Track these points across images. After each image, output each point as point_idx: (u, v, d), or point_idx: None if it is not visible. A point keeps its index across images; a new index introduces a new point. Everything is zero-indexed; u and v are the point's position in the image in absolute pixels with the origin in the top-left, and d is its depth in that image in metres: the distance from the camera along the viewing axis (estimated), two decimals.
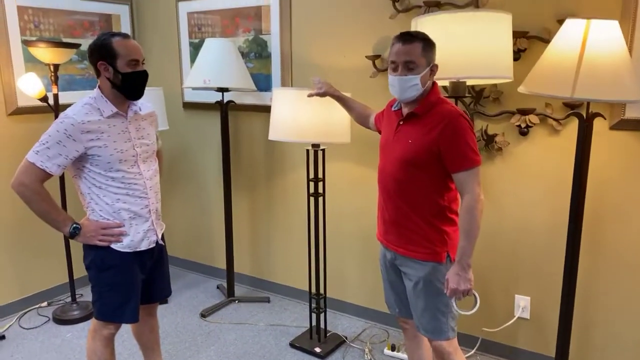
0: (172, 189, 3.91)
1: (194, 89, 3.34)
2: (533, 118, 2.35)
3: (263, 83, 3.22)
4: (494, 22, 1.99)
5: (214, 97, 3.41)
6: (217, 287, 3.63)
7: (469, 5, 2.45)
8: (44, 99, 2.87)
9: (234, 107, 3.32)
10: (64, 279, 3.47)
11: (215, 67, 2.95)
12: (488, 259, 2.64)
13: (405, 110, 1.86)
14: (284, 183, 3.30)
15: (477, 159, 1.74)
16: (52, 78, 2.89)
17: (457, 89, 2.14)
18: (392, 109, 1.93)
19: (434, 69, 1.80)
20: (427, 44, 1.76)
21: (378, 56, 2.75)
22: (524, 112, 2.36)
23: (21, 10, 3.08)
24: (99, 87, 1.93)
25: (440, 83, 2.23)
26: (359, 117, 2.27)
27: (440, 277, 1.83)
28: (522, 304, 2.58)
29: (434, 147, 1.73)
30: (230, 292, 3.44)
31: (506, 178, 2.53)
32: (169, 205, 3.97)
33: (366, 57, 2.74)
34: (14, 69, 3.06)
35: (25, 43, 2.81)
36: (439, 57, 1.91)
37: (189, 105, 3.66)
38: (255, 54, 3.23)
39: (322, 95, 2.27)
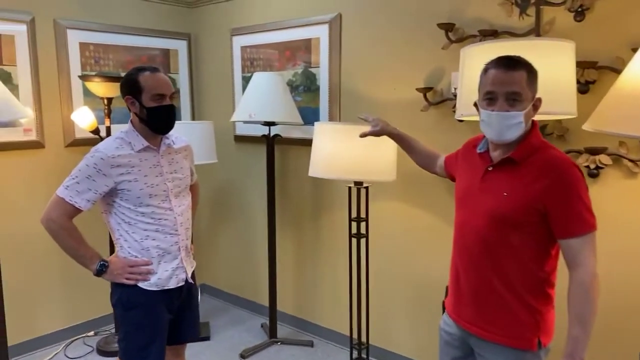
0: (221, 222, 3.88)
1: (245, 122, 3.32)
2: (604, 158, 2.07)
3: (311, 116, 3.13)
4: (553, 52, 1.77)
5: (263, 131, 3.36)
6: (261, 326, 3.51)
7: (530, 33, 2.24)
8: (96, 131, 2.94)
9: (282, 140, 3.25)
10: (110, 309, 3.49)
11: (261, 101, 2.90)
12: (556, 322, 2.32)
13: (496, 154, 1.53)
14: (331, 221, 3.16)
15: (593, 222, 1.42)
16: (106, 111, 2.96)
17: None
18: (478, 150, 1.60)
19: (537, 104, 1.48)
20: (531, 72, 1.45)
21: (430, 89, 2.58)
22: (593, 151, 2.09)
23: (83, 46, 3.21)
24: (130, 121, 1.91)
25: None
26: (423, 159, 1.96)
27: None
28: None
29: (537, 203, 1.42)
30: (272, 333, 3.29)
31: None
32: (218, 238, 3.93)
33: (417, 89, 2.58)
34: (73, 103, 3.17)
35: (82, 77, 2.90)
36: None
37: (240, 139, 3.64)
38: (304, 87, 3.16)
39: (378, 134, 1.95)
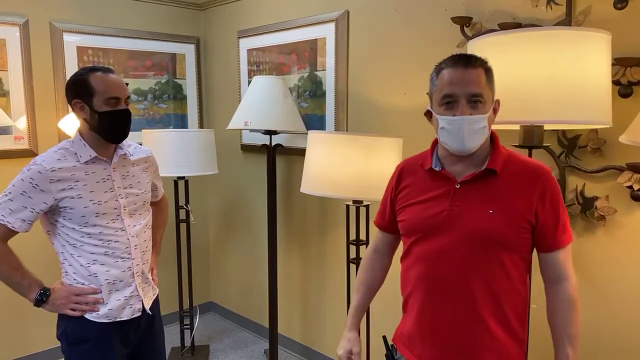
0: (229, 236, 3.64)
1: (251, 130, 3.07)
2: None
3: (317, 124, 2.83)
4: (581, 46, 1.40)
5: (265, 140, 3.11)
6: (264, 352, 3.22)
7: (559, 25, 1.86)
8: None
9: (286, 151, 2.96)
10: None
11: (259, 108, 2.64)
12: None
13: (457, 169, 1.30)
14: (338, 239, 2.83)
15: (571, 232, 1.33)
16: None
17: (531, 137, 1.56)
18: (434, 168, 1.33)
19: (496, 107, 1.31)
20: (489, 71, 1.28)
21: None
22: (637, 168, 1.68)
23: (81, 50, 3.06)
24: (78, 129, 1.68)
25: (502, 128, 1.68)
26: (384, 273, 1.61)
27: None
28: None
29: (531, 216, 1.24)
30: None
31: (612, 259, 1.82)
32: (227, 253, 3.69)
33: (427, 93, 2.23)
34: (70, 110, 3.02)
35: None
36: (502, 92, 1.38)
37: (246, 148, 3.39)
38: (310, 92, 2.87)
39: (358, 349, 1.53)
